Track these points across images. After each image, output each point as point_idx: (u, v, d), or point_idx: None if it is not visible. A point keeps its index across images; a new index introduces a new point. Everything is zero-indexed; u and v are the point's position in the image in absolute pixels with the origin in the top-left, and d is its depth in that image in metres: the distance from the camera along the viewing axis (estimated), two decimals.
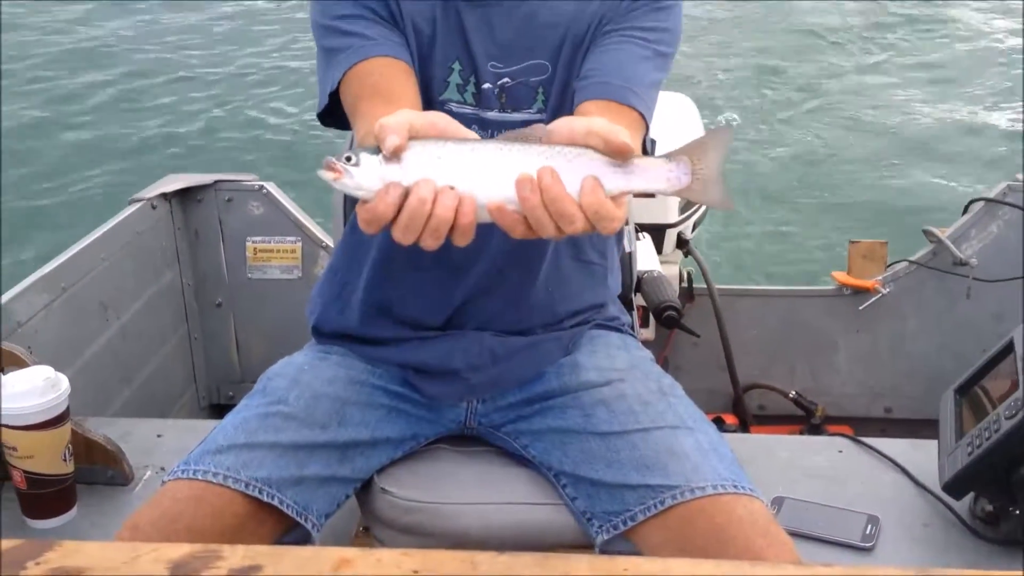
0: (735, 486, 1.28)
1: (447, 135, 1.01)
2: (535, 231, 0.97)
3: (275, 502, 1.30)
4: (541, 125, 1.01)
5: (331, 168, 0.96)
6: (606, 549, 1.34)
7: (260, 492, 1.29)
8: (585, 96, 1.33)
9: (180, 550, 0.95)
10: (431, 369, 1.48)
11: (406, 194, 0.95)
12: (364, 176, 0.95)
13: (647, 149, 1.41)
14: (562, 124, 1.01)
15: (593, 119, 1.01)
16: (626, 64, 1.35)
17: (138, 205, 2.31)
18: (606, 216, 0.96)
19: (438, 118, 1.03)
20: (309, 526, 1.34)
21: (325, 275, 1.61)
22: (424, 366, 1.48)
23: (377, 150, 0.97)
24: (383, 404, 1.46)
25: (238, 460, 1.31)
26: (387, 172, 0.96)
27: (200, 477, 1.28)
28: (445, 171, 0.96)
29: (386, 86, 1.32)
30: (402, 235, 0.97)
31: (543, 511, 1.42)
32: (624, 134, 0.98)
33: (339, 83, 1.35)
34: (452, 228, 0.97)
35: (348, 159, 0.95)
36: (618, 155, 0.98)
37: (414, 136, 0.98)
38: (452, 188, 0.95)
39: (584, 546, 1.38)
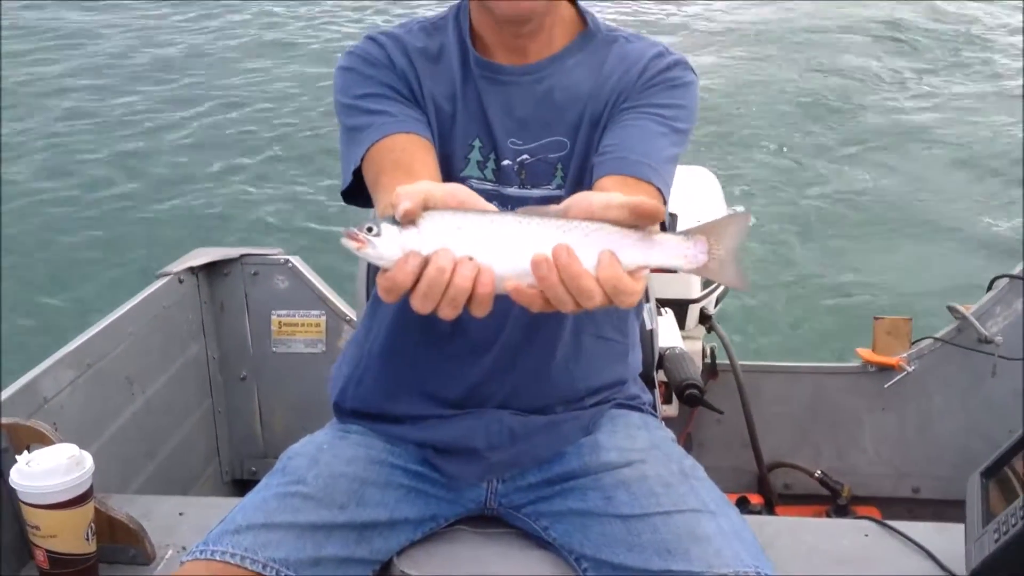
0: (757, 572, 1.27)
1: (466, 206, 1.02)
2: (554, 306, 0.98)
3: None
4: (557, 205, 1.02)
5: (353, 238, 0.98)
6: None
7: (277, 573, 1.29)
8: (603, 172, 1.34)
9: None
10: (451, 448, 1.48)
11: (425, 263, 0.97)
12: (385, 245, 0.97)
13: (665, 225, 1.43)
14: (580, 199, 1.03)
15: (611, 194, 1.03)
16: (643, 140, 1.36)
17: (165, 279, 2.34)
18: (624, 290, 0.97)
19: (458, 189, 1.05)
20: None
21: (346, 351, 1.63)
22: (443, 445, 1.48)
23: (391, 217, 0.98)
24: (402, 484, 1.46)
25: (256, 540, 1.31)
26: (407, 241, 0.97)
27: (218, 558, 1.29)
28: (464, 242, 0.98)
29: (407, 161, 1.34)
30: (420, 303, 0.98)
31: None
32: (645, 200, 0.99)
33: (362, 160, 1.37)
34: (470, 298, 0.98)
35: (370, 229, 0.97)
36: (646, 219, 0.99)
37: (432, 205, 1.00)
38: (471, 259, 0.97)
39: None
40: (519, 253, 0.97)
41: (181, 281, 2.37)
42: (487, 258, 0.98)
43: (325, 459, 1.45)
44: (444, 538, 1.49)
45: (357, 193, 1.42)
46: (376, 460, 1.47)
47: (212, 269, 2.47)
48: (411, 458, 1.49)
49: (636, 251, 0.98)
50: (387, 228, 0.97)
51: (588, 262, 0.97)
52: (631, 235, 0.98)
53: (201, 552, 1.30)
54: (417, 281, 0.97)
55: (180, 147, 7.32)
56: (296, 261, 2.46)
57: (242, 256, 2.47)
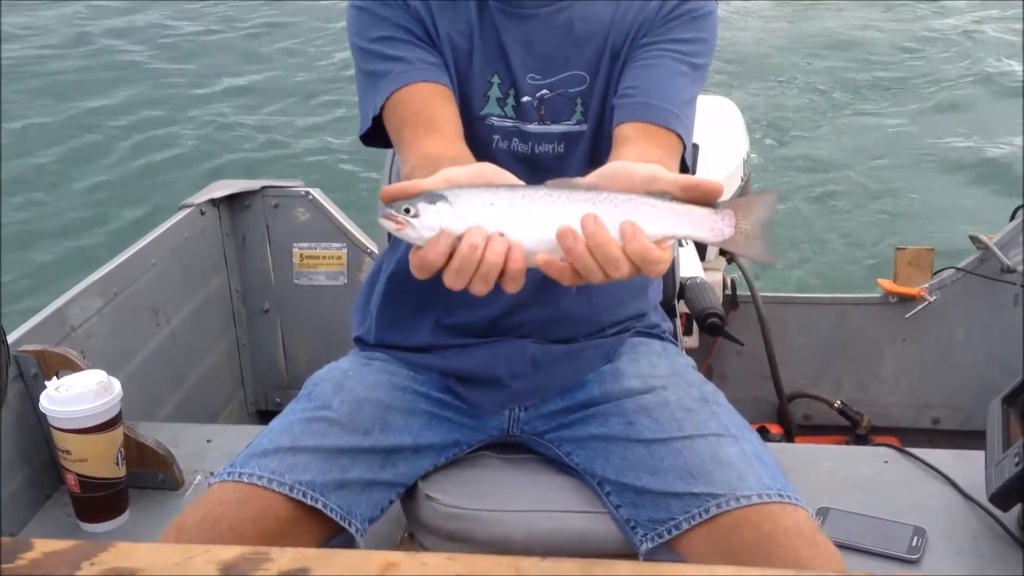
0: (780, 495, 1.28)
1: (494, 183, 1.04)
2: (584, 277, 0.99)
3: (319, 505, 1.32)
4: (599, 172, 1.04)
5: (391, 219, 0.99)
6: (650, 558, 1.34)
7: (304, 495, 1.31)
8: (625, 116, 1.34)
9: (231, 552, 0.97)
10: (473, 376, 1.49)
11: (458, 241, 0.98)
12: (423, 225, 0.99)
13: (687, 166, 1.42)
14: (620, 171, 1.04)
15: (653, 167, 1.03)
16: (665, 82, 1.36)
17: (187, 211, 2.35)
18: (651, 260, 0.98)
19: (483, 168, 1.07)
20: (353, 531, 1.35)
21: (367, 284, 1.63)
22: (466, 374, 1.49)
23: (434, 199, 0.99)
24: (426, 411, 1.47)
25: (283, 463, 1.33)
26: (444, 220, 0.99)
27: (245, 480, 1.31)
28: (496, 218, 0.99)
29: (428, 113, 1.35)
30: (453, 280, 0.99)
31: (586, 519, 1.43)
32: (703, 180, 1.00)
33: (381, 108, 1.38)
34: (502, 273, 0.99)
35: (407, 210, 0.99)
36: (704, 198, 1.00)
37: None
38: (502, 235, 0.98)
39: (628, 555, 1.38)
40: (548, 226, 0.98)
41: (203, 213, 2.38)
42: (518, 233, 0.99)
43: (350, 385, 1.46)
44: (468, 463, 1.51)
45: (375, 136, 1.42)
46: (400, 387, 1.48)
47: (233, 201, 2.48)
48: (434, 385, 1.50)
49: (664, 221, 0.99)
50: (424, 208, 0.99)
51: (616, 232, 0.98)
52: (660, 205, 0.99)
53: (229, 475, 1.32)
54: (450, 258, 0.99)
55: (197, 84, 7.31)
56: (317, 193, 2.47)
57: (263, 188, 2.47)
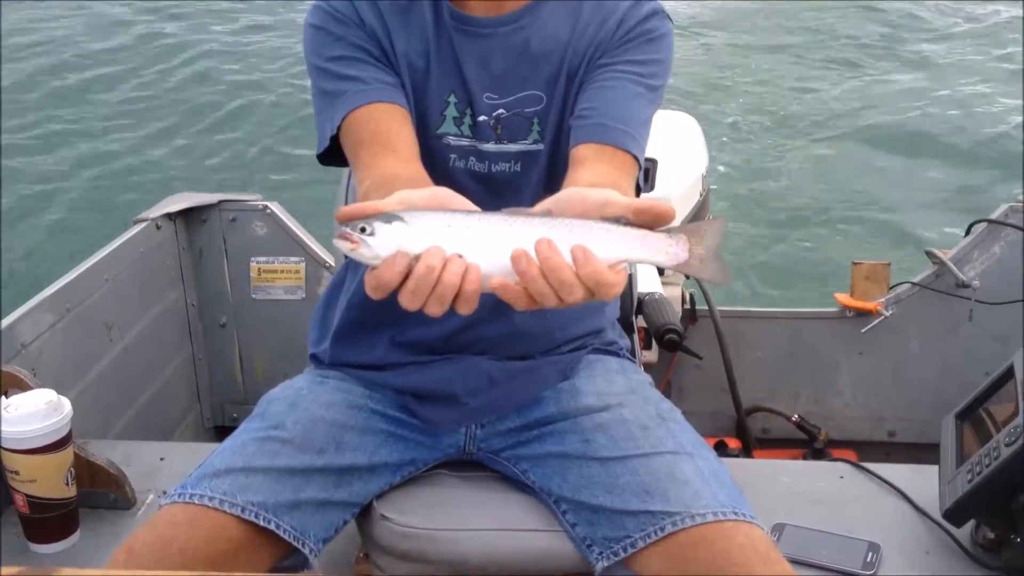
0: (736, 513, 1.28)
1: (449, 207, 1.05)
2: (538, 302, 0.99)
3: (272, 527, 1.30)
4: (554, 198, 1.05)
5: (346, 238, 0.99)
6: None
7: (256, 516, 1.30)
8: (581, 137, 1.35)
9: None
10: (429, 394, 1.49)
11: (415, 261, 0.98)
12: (379, 245, 0.98)
13: (640, 187, 1.43)
14: (575, 196, 1.04)
15: (608, 192, 1.04)
16: (621, 103, 1.37)
17: (142, 225, 2.32)
18: (604, 283, 0.99)
19: (439, 191, 1.07)
20: (307, 551, 1.34)
21: (324, 300, 1.62)
22: (422, 391, 1.49)
23: (390, 219, 0.99)
24: (381, 429, 1.46)
25: (235, 484, 1.31)
26: (400, 240, 0.98)
27: (196, 501, 1.29)
28: (453, 239, 1.00)
29: (384, 133, 1.35)
30: (409, 301, 0.99)
31: (543, 537, 1.42)
32: (654, 203, 1.00)
33: (338, 128, 1.38)
34: (457, 295, 0.99)
35: (363, 229, 0.98)
36: (655, 222, 1.01)
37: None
38: (460, 256, 0.99)
39: (584, 574, 1.38)
40: (504, 250, 0.99)
41: (159, 227, 2.36)
42: (474, 256, 0.99)
43: (304, 404, 1.45)
44: (423, 481, 1.50)
45: (332, 155, 1.42)
46: (355, 405, 1.47)
47: (190, 215, 2.46)
48: (390, 403, 1.49)
49: (619, 246, 1.00)
50: (380, 227, 0.99)
51: (570, 256, 0.99)
52: (614, 230, 1.00)
53: (179, 496, 1.30)
54: (405, 279, 0.99)
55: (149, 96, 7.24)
56: (275, 207, 2.45)
57: (220, 202, 2.45)
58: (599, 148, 1.33)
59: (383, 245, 0.98)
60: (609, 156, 1.33)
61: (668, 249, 1.02)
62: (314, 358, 1.59)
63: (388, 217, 0.99)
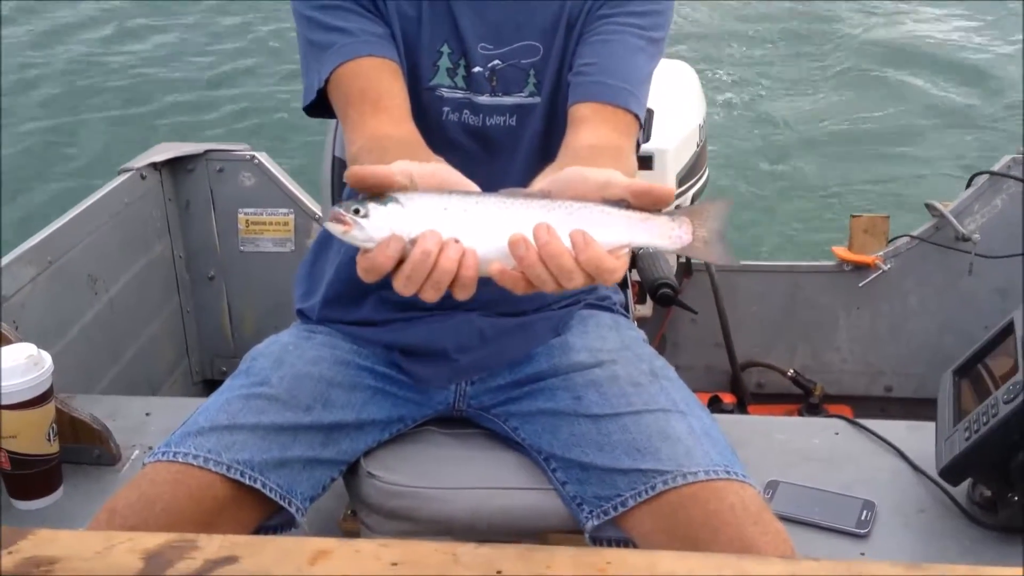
0: (727, 472, 1.25)
1: (448, 185, 1.00)
2: (536, 287, 0.95)
3: (257, 485, 1.27)
4: (552, 178, 1.01)
5: (339, 220, 0.94)
6: (596, 535, 1.32)
7: (242, 475, 1.27)
8: (581, 96, 1.31)
9: (156, 539, 0.93)
10: (418, 350, 1.45)
11: (410, 246, 0.94)
12: (373, 227, 0.94)
13: (639, 143, 1.39)
14: (575, 176, 1.00)
15: (609, 172, 0.99)
16: (622, 59, 1.32)
17: (127, 175, 2.28)
18: (605, 269, 0.94)
19: (439, 169, 1.02)
20: (293, 510, 1.31)
21: (311, 254, 1.59)
22: (411, 347, 1.45)
23: (385, 200, 0.95)
24: (369, 386, 1.43)
25: (220, 442, 1.28)
26: (394, 222, 0.94)
27: (180, 460, 1.25)
28: (449, 223, 0.95)
29: (374, 90, 1.30)
30: (403, 286, 0.94)
31: (532, 496, 1.40)
32: (654, 185, 0.96)
33: (326, 82, 1.33)
34: (453, 281, 0.94)
35: (356, 211, 0.94)
36: (655, 204, 0.97)
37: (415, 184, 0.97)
38: (457, 241, 0.94)
39: (573, 532, 1.36)
40: (502, 234, 0.94)
41: (143, 177, 2.31)
42: (471, 240, 0.95)
43: (290, 360, 1.41)
44: (411, 439, 1.47)
45: (319, 107, 1.37)
46: (342, 361, 1.44)
47: (176, 165, 2.41)
48: (378, 360, 1.45)
49: (621, 230, 0.95)
50: (374, 208, 0.94)
51: (569, 241, 0.94)
52: (615, 214, 0.96)
53: (163, 454, 1.27)
54: (400, 263, 0.94)
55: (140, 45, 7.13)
56: (263, 158, 2.40)
57: (207, 152, 2.40)
58: (599, 107, 1.29)
59: (377, 228, 0.94)
60: (609, 116, 1.29)
61: (671, 232, 0.98)
62: (300, 314, 1.56)
63: (383, 199, 0.95)
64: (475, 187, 1.02)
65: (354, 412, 1.40)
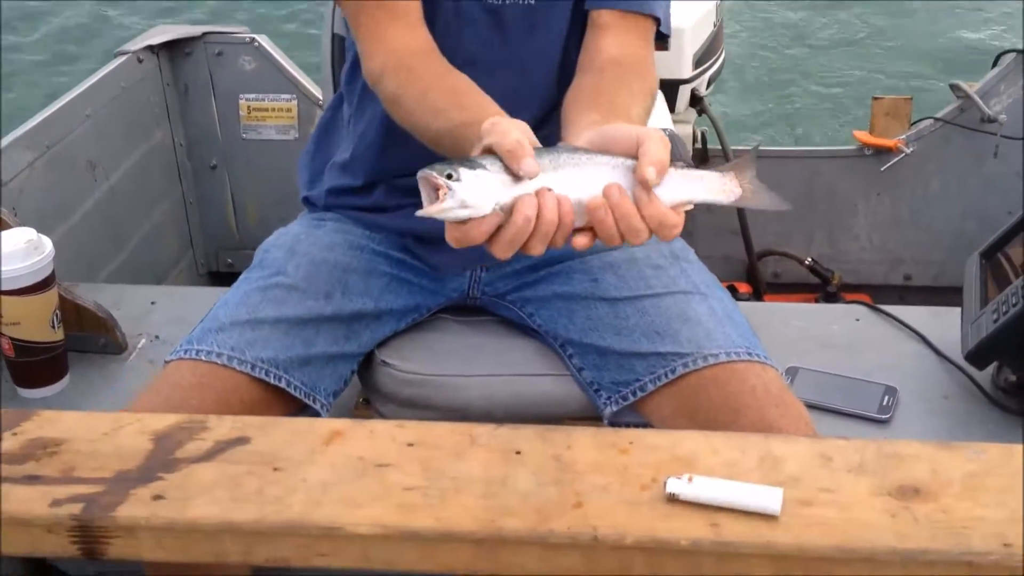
0: (749, 353, 1.22)
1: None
2: (603, 241, 0.96)
3: (283, 384, 1.24)
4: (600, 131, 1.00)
5: (435, 186, 0.92)
6: (615, 421, 1.30)
7: (267, 374, 1.23)
8: (601, 2, 1.28)
9: (165, 420, 0.90)
10: (434, 237, 1.40)
11: (501, 210, 0.93)
12: (469, 194, 0.92)
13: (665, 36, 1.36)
14: (621, 133, 0.98)
15: (647, 132, 0.96)
16: None
17: (123, 58, 2.20)
18: (668, 225, 0.95)
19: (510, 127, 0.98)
20: (318, 407, 1.28)
21: (314, 140, 1.54)
22: (426, 234, 1.40)
23: (473, 164, 0.93)
24: (385, 272, 1.39)
25: (243, 338, 1.24)
26: (491, 191, 0.92)
27: (204, 358, 1.21)
28: (532, 185, 0.94)
29: None
30: (503, 251, 0.94)
31: (549, 382, 1.37)
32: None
33: None
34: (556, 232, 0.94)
35: (449, 176, 0.91)
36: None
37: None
38: (550, 190, 0.94)
39: (592, 418, 1.33)
40: (583, 192, 0.95)
41: (140, 60, 2.24)
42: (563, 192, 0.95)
43: (303, 248, 1.37)
44: (425, 327, 1.44)
45: None
46: (356, 246, 1.39)
47: (173, 49, 2.33)
48: (392, 245, 1.41)
49: (680, 187, 0.98)
50: (466, 174, 0.92)
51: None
52: (673, 173, 0.97)
53: (185, 352, 1.23)
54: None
55: None
56: (263, 40, 2.32)
57: (204, 35, 2.32)
58: (620, 15, 1.28)
59: (470, 194, 0.92)
60: (632, 24, 1.29)
61: (724, 187, 1.01)
62: (307, 201, 1.51)
63: (471, 163, 0.93)
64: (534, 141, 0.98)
65: (372, 300, 1.36)
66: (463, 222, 0.93)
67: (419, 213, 0.93)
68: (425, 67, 1.19)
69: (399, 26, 1.24)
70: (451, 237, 0.94)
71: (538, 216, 0.92)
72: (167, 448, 0.86)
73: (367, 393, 1.45)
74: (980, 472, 0.81)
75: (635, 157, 0.95)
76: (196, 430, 0.88)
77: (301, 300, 1.30)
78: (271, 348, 1.25)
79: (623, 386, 1.27)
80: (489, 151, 0.95)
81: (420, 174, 0.92)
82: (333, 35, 1.67)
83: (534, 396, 1.38)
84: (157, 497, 0.80)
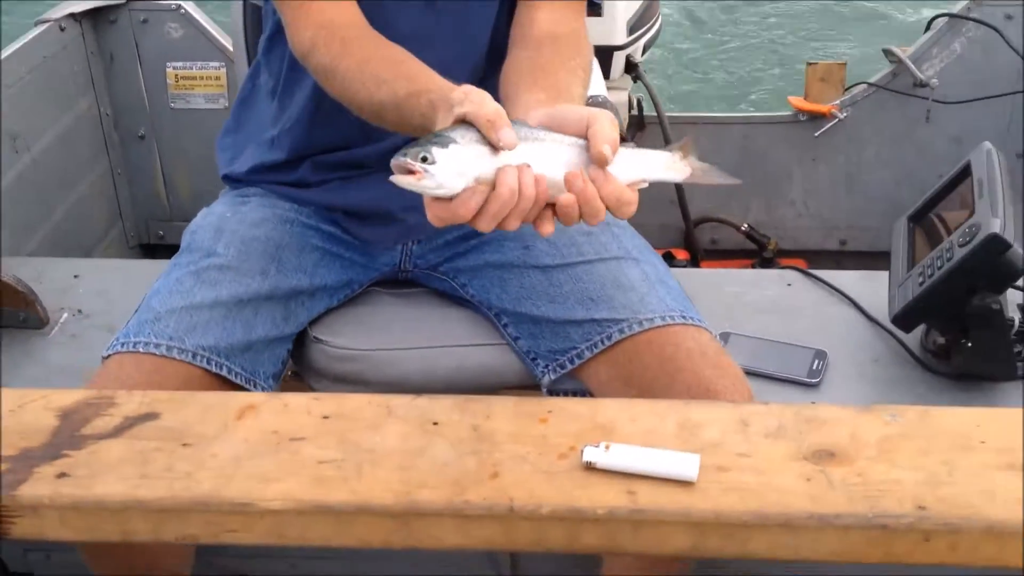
0: (683, 317, 1.23)
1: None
2: (561, 221, 0.97)
3: (223, 372, 1.21)
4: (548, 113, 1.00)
5: (409, 170, 0.90)
6: (553, 388, 1.30)
7: (208, 362, 1.20)
8: None
9: (72, 396, 0.88)
10: (363, 211, 1.38)
11: (476, 183, 0.91)
12: (443, 174, 0.90)
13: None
14: (571, 114, 0.97)
15: (599, 114, 0.96)
16: None
17: (44, 27, 2.14)
18: (625, 201, 0.96)
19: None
20: (258, 391, 1.25)
21: (232, 119, 1.49)
22: (356, 208, 1.38)
23: (445, 142, 0.91)
24: (317, 246, 1.36)
25: (179, 326, 1.21)
26: (462, 165, 0.91)
27: (142, 349, 1.18)
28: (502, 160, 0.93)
29: None
30: (487, 224, 0.93)
31: (486, 352, 1.36)
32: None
33: None
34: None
35: (424, 158, 0.89)
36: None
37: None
38: (528, 166, 0.93)
39: (531, 387, 1.32)
40: (554, 167, 0.95)
41: (62, 29, 2.17)
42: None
43: (230, 226, 1.33)
44: (357, 301, 1.42)
45: None
46: (285, 220, 1.36)
47: (97, 16, 2.26)
48: (322, 219, 1.38)
49: (634, 165, 0.98)
50: (439, 154, 0.90)
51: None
52: (626, 153, 0.98)
53: (123, 345, 1.19)
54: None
55: None
56: (189, 7, 2.26)
57: (129, 1, 2.25)
58: None
59: (447, 173, 0.90)
60: None
61: (674, 165, 1.01)
62: (228, 179, 1.47)
63: (439, 139, 0.91)
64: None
65: (307, 276, 1.34)
66: (447, 199, 0.91)
67: (394, 179, 0.91)
68: (359, 39, 1.17)
69: (336, 8, 1.20)
70: (434, 216, 0.93)
71: (519, 191, 0.91)
72: (74, 424, 0.84)
73: (300, 370, 1.42)
74: (896, 435, 0.82)
75: (585, 138, 0.95)
76: (104, 406, 0.86)
77: (236, 279, 1.27)
78: (211, 334, 1.22)
79: (560, 354, 1.27)
80: (462, 120, 0.93)
81: (394, 162, 0.90)
82: (245, 3, 1.62)
83: (473, 367, 1.37)
84: (62, 475, 0.78)
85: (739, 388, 1.17)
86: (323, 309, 1.37)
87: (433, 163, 0.90)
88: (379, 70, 1.12)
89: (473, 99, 0.93)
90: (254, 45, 1.54)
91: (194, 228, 1.37)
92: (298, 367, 1.41)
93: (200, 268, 1.28)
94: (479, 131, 0.92)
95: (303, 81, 1.32)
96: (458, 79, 1.03)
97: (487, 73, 1.28)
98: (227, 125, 1.50)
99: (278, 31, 1.33)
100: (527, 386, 1.33)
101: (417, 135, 0.98)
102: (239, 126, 1.48)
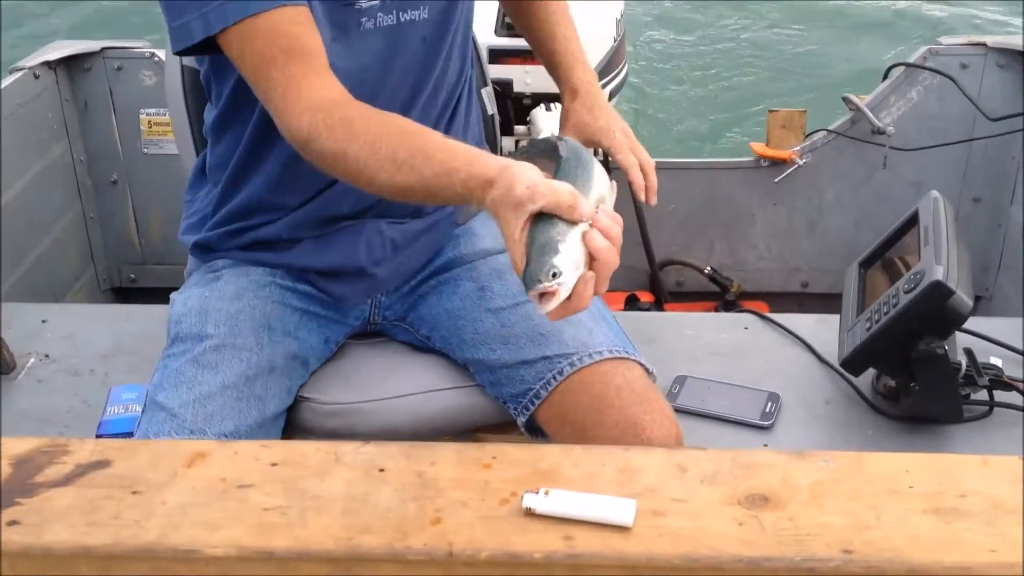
0: (627, 354, 1.27)
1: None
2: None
3: None
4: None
5: (549, 294, 0.97)
6: (530, 428, 1.32)
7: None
8: None
9: (24, 445, 0.89)
10: (336, 269, 1.39)
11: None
12: (570, 277, 0.97)
13: None
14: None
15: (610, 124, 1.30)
16: None
17: (19, 75, 2.16)
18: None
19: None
20: None
21: (191, 189, 1.48)
22: (328, 267, 1.38)
23: (553, 247, 0.97)
24: (296, 307, 1.36)
25: (197, 418, 1.20)
26: (577, 256, 0.99)
27: None
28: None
29: (298, 47, 1.16)
30: (603, 288, 1.03)
31: (463, 394, 1.38)
32: None
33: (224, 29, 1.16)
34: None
35: (554, 275, 0.96)
36: None
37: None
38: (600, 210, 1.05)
39: (513, 422, 1.34)
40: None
41: (37, 76, 2.20)
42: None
43: (213, 305, 1.32)
44: (336, 357, 1.43)
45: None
46: (262, 284, 1.36)
47: (72, 64, 2.29)
48: (295, 278, 1.38)
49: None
50: (561, 263, 0.97)
51: None
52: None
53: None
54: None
55: None
56: (163, 55, 2.29)
57: (103, 49, 2.29)
58: None
59: (571, 276, 0.98)
60: None
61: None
62: (197, 248, 1.44)
63: (550, 247, 0.97)
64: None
65: (295, 340, 1.34)
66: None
67: (540, 309, 0.98)
68: (361, 117, 1.13)
69: (313, 77, 1.15)
70: (555, 317, 0.99)
71: (612, 239, 1.02)
72: (26, 472, 0.85)
73: (289, 431, 1.42)
74: (828, 480, 0.84)
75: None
76: (57, 454, 0.87)
77: (235, 355, 1.26)
78: (229, 420, 1.21)
79: (520, 397, 1.30)
80: (538, 215, 0.98)
81: (531, 293, 0.96)
82: (183, 67, 1.57)
83: (456, 409, 1.39)
84: (12, 523, 0.79)
85: (663, 423, 1.21)
86: (314, 370, 1.38)
87: (561, 273, 0.95)
88: (394, 150, 1.09)
89: (542, 191, 0.97)
90: (196, 111, 1.52)
91: (177, 317, 1.34)
92: (289, 427, 1.42)
93: (197, 354, 1.26)
94: (551, 214, 0.98)
95: (274, 149, 1.31)
96: (415, 108, 1.14)
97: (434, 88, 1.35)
98: (189, 199, 1.48)
99: (235, 103, 1.31)
100: (510, 423, 1.35)
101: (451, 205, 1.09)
102: (195, 197, 1.46)
